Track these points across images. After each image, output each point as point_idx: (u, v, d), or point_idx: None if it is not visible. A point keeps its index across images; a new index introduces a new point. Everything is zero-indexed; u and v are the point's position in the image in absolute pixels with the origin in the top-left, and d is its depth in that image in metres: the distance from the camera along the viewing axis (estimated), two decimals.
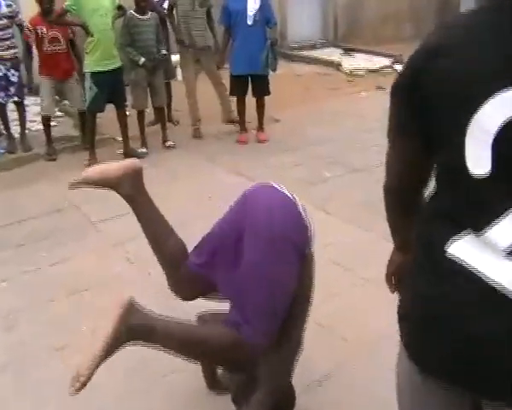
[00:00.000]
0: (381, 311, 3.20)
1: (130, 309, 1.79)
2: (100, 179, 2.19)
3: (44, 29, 5.71)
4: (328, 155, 5.72)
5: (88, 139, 5.89)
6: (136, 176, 2.20)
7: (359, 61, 9.91)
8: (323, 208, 4.52)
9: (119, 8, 5.70)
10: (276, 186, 2.11)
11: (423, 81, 1.26)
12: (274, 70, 6.13)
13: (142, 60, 5.79)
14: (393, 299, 3.15)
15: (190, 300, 2.34)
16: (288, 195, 2.07)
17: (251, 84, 6.17)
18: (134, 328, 1.77)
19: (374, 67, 9.57)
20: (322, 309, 3.22)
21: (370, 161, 5.53)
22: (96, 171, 2.23)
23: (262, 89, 6.17)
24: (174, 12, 6.36)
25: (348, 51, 10.55)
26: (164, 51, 6.06)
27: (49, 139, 6.10)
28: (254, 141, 6.35)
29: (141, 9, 5.79)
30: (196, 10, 6.18)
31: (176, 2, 6.23)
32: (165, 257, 2.24)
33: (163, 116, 6.39)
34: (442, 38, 1.27)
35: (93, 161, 5.74)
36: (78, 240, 4.23)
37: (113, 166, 2.20)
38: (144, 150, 6.13)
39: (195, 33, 6.22)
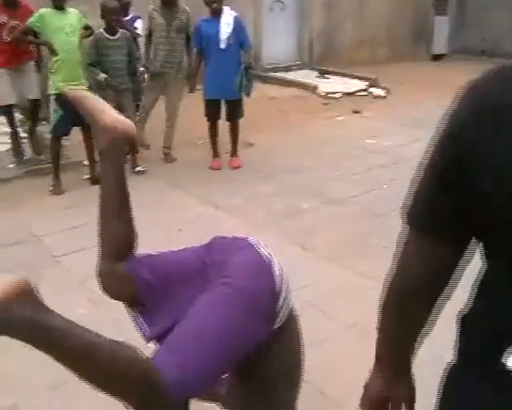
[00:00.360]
0: (366, 363, 2.97)
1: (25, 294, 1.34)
2: None
3: (5, 17, 5.54)
4: (306, 185, 5.49)
5: (52, 164, 5.56)
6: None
7: (335, 85, 9.76)
8: (300, 244, 4.27)
9: (87, 27, 5.42)
10: (253, 245, 1.80)
11: (475, 159, 0.90)
12: (248, 95, 5.90)
13: (102, 76, 5.48)
14: None
15: (113, 297, 1.93)
16: (264, 258, 1.75)
17: (224, 107, 5.93)
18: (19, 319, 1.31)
19: (349, 91, 9.43)
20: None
21: (349, 191, 5.34)
22: None
23: (235, 112, 5.94)
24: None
25: (323, 74, 10.41)
26: (142, 68, 5.93)
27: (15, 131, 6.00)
28: (227, 167, 6.10)
29: (111, 29, 5.52)
30: (171, 37, 5.94)
31: (154, 28, 5.97)
32: (109, 236, 1.88)
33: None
34: (506, 93, 0.87)
35: (58, 186, 5.44)
36: (37, 276, 3.90)
37: None
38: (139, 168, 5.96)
39: (168, 59, 5.98)
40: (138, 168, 5.97)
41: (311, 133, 7.33)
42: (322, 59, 11.11)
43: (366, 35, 11.73)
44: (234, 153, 6.13)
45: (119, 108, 5.68)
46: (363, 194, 5.30)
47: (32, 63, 5.89)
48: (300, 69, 10.87)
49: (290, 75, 10.19)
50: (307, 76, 10.25)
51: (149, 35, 6.04)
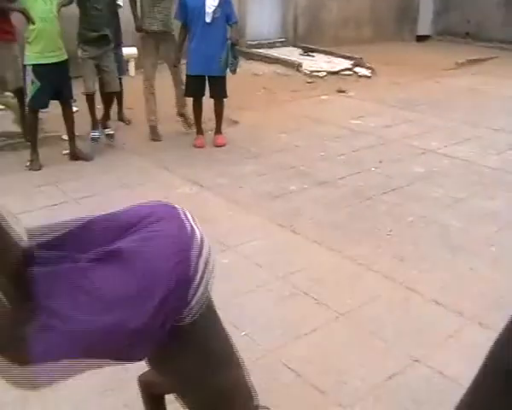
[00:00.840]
0: (361, 354, 2.87)
1: None
2: None
3: None
4: (293, 165, 5.35)
5: (30, 138, 5.32)
6: None
7: (320, 63, 9.59)
8: (289, 227, 4.13)
9: None
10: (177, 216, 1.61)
11: None
12: (234, 72, 5.69)
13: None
14: (372, 340, 2.82)
15: None
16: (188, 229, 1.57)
17: (209, 85, 5.72)
18: None
19: (334, 70, 9.27)
20: (291, 350, 2.85)
21: (336, 173, 5.21)
22: None
23: (219, 90, 5.73)
24: None
25: (308, 52, 10.21)
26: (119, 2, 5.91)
27: None
28: (211, 145, 5.91)
29: None
30: None
31: None
32: None
33: (111, 100, 6.01)
34: None
35: (35, 162, 5.21)
36: None
37: None
38: (96, 134, 5.78)
39: (159, 18, 5.75)
40: (107, 131, 5.96)
41: (296, 112, 7.18)
42: (307, 36, 10.90)
43: (351, 14, 11.56)
44: (218, 130, 5.94)
45: (100, 71, 5.52)
46: (350, 176, 5.17)
47: (16, 46, 5.47)
48: (284, 46, 10.65)
49: (274, 52, 9.98)
50: (291, 53, 10.05)
51: None
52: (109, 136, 5.96)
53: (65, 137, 5.67)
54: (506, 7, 11.90)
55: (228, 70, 5.61)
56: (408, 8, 12.55)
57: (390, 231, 4.11)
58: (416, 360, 2.77)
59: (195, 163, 5.40)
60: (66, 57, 5.17)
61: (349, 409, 2.49)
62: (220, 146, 5.84)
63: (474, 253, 3.84)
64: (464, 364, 2.54)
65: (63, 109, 5.33)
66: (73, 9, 5.39)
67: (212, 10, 5.44)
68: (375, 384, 2.62)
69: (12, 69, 5.47)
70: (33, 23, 4.85)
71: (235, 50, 5.61)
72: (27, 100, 5.17)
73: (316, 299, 3.26)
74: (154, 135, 6.00)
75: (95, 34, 5.38)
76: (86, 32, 5.39)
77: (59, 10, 5.03)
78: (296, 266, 3.58)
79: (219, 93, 5.75)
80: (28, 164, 5.22)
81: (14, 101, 5.81)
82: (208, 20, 5.46)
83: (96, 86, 5.65)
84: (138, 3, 5.92)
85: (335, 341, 2.94)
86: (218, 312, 1.75)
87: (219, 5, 5.46)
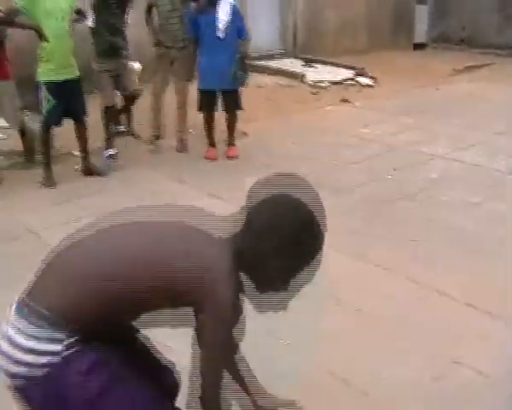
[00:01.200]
0: (392, 355, 2.90)
1: None
2: None
3: None
4: (307, 175, 5.31)
5: (43, 155, 5.29)
6: None
7: (322, 74, 9.65)
8: None
9: (78, 12, 5.17)
10: None
11: None
12: (242, 85, 5.76)
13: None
14: (401, 341, 2.85)
15: None
16: None
17: (221, 99, 5.76)
18: None
19: (336, 80, 9.34)
20: (331, 355, 2.87)
21: (351, 181, 5.26)
22: None
23: (234, 103, 5.78)
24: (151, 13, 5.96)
25: (309, 62, 10.27)
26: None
27: None
28: (222, 157, 5.94)
29: None
30: (176, 9, 5.80)
31: (156, 3, 5.83)
32: None
33: (132, 103, 6.12)
34: None
35: (49, 178, 5.21)
36: None
37: None
38: (111, 152, 5.71)
39: (176, 33, 5.84)
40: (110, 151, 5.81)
41: (303, 122, 7.22)
42: (306, 47, 10.96)
43: (348, 23, 11.64)
44: (231, 142, 5.97)
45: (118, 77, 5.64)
46: (365, 183, 5.22)
47: (11, 84, 5.47)
48: (284, 57, 10.70)
49: (275, 63, 10.03)
50: (293, 65, 10.11)
51: (149, 11, 5.91)
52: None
53: (76, 152, 5.69)
54: (499, 13, 12.04)
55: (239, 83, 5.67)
56: (404, 16, 12.67)
57: (412, 236, 4.16)
58: (455, 362, 2.80)
59: (210, 175, 5.42)
60: (78, 74, 5.20)
61: None
62: (233, 158, 5.87)
63: (491, 255, 3.89)
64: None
65: (77, 127, 5.33)
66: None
67: (224, 25, 5.49)
68: (411, 384, 2.66)
69: (10, 111, 5.49)
70: (47, 40, 4.86)
71: (245, 64, 5.66)
72: (42, 117, 5.16)
73: (338, 299, 3.33)
74: (154, 147, 6.09)
75: (112, 47, 5.49)
76: (103, 44, 5.48)
77: (71, 27, 5.06)
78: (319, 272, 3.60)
79: (233, 106, 5.79)
80: (42, 181, 5.22)
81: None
82: (220, 35, 5.51)
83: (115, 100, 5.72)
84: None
85: (364, 342, 2.98)
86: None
87: (231, 20, 5.51)
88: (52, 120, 5.16)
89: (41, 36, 4.84)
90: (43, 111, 5.10)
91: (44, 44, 4.89)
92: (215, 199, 4.82)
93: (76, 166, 5.56)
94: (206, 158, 5.86)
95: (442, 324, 3.13)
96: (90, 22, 5.57)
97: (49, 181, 5.21)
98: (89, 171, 5.44)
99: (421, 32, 12.86)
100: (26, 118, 5.74)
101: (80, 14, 5.19)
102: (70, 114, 5.23)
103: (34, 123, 5.48)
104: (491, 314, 3.21)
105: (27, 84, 5.41)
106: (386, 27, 12.39)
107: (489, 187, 5.14)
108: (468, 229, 4.28)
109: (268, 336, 2.94)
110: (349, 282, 3.55)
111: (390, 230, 4.28)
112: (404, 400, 2.59)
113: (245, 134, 6.55)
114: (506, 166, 5.59)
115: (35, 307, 1.54)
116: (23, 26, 5.08)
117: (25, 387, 1.55)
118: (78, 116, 5.29)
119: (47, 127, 5.20)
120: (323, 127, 7.01)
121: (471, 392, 2.63)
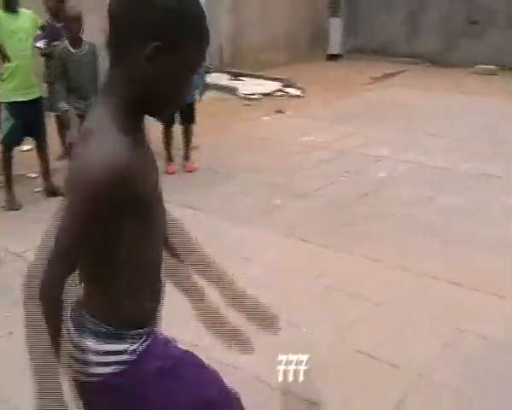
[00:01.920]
0: (407, 333, 3.21)
1: None
2: None
3: None
4: (268, 182, 5.62)
5: (5, 177, 5.19)
6: None
7: (250, 86, 9.97)
8: (293, 235, 4.42)
9: (42, 27, 5.13)
10: None
11: None
12: (201, 96, 5.95)
13: (65, 108, 5.07)
14: (412, 320, 3.16)
15: None
16: None
17: (178, 111, 5.89)
18: None
19: (267, 91, 9.69)
20: (353, 335, 3.13)
21: (311, 185, 5.54)
22: None
23: (190, 115, 5.95)
24: None
25: (237, 76, 10.58)
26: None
27: None
28: (181, 170, 6.07)
29: (75, 41, 5.06)
30: None
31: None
32: None
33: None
34: None
35: (13, 200, 5.12)
36: None
37: None
38: None
39: None
40: None
41: (246, 133, 7.45)
42: (231, 63, 11.30)
43: (268, 40, 12.10)
44: (188, 156, 6.12)
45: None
46: (324, 186, 5.54)
47: None
48: (210, 73, 10.92)
49: (207, 79, 10.20)
50: (221, 79, 10.35)
51: None
52: None
53: (32, 174, 5.61)
54: (407, 25, 12.97)
55: (196, 96, 5.84)
56: (319, 29, 13.30)
57: (386, 231, 4.52)
58: (463, 331, 3.17)
59: (177, 188, 5.51)
60: (40, 95, 5.16)
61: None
62: (192, 171, 6.01)
63: (465, 242, 4.33)
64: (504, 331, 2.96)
65: (37, 147, 5.28)
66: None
67: None
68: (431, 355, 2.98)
69: None
70: (9, 60, 4.82)
71: (204, 77, 5.87)
72: (1, 137, 5.09)
73: (348, 292, 3.59)
74: None
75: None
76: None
77: (34, 47, 5.04)
78: (318, 270, 3.87)
79: (190, 119, 5.96)
80: (5, 204, 5.11)
81: None
82: None
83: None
84: None
85: (381, 327, 3.26)
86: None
87: None
88: (12, 140, 5.09)
89: (5, 56, 4.81)
90: (3, 131, 5.03)
91: (7, 64, 4.86)
92: (189, 209, 4.95)
93: (36, 189, 5.47)
94: (166, 173, 5.93)
95: (445, 303, 3.49)
96: (41, 44, 5.50)
97: (14, 203, 5.12)
98: (52, 191, 5.36)
99: (335, 43, 13.55)
100: None
101: (43, 29, 5.16)
102: (31, 133, 5.18)
103: None
104: (480, 291, 3.62)
105: None
106: (303, 41, 12.98)
107: (434, 183, 5.62)
108: (433, 220, 4.71)
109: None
110: (349, 274, 3.83)
111: (364, 227, 4.59)
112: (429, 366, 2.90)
113: (195, 147, 6.69)
114: (444, 163, 6.12)
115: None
116: None
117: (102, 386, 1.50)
118: (39, 136, 5.25)
119: (8, 148, 5.12)
120: (266, 137, 7.28)
121: (482, 358, 2.98)
